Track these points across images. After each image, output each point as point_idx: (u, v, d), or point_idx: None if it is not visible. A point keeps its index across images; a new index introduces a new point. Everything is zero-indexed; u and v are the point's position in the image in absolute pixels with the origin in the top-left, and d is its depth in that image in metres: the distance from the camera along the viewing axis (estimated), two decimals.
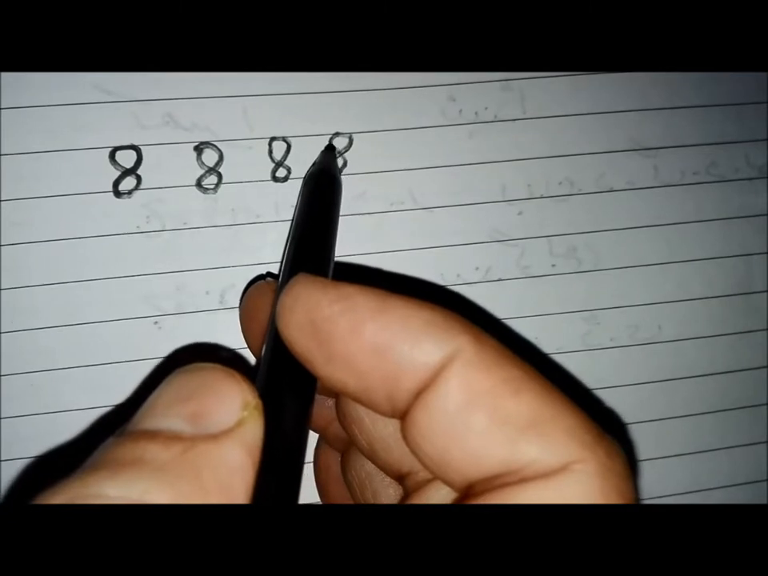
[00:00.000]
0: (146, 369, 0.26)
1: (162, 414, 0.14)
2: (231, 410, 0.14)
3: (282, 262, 0.26)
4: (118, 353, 0.26)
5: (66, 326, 0.25)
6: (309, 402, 0.17)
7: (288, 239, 0.25)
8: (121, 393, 0.26)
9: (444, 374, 0.14)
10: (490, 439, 0.14)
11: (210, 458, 0.13)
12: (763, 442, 0.31)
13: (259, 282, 0.23)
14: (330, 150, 0.27)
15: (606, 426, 0.15)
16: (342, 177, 0.27)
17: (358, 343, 0.15)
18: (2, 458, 0.26)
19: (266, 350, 0.17)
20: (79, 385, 0.26)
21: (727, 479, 0.31)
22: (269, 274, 0.27)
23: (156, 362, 0.26)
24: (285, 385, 0.16)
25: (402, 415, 0.15)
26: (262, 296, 0.22)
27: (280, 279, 0.21)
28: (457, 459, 0.14)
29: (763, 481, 0.31)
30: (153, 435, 0.14)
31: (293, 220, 0.26)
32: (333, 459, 0.23)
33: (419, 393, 0.15)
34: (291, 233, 0.23)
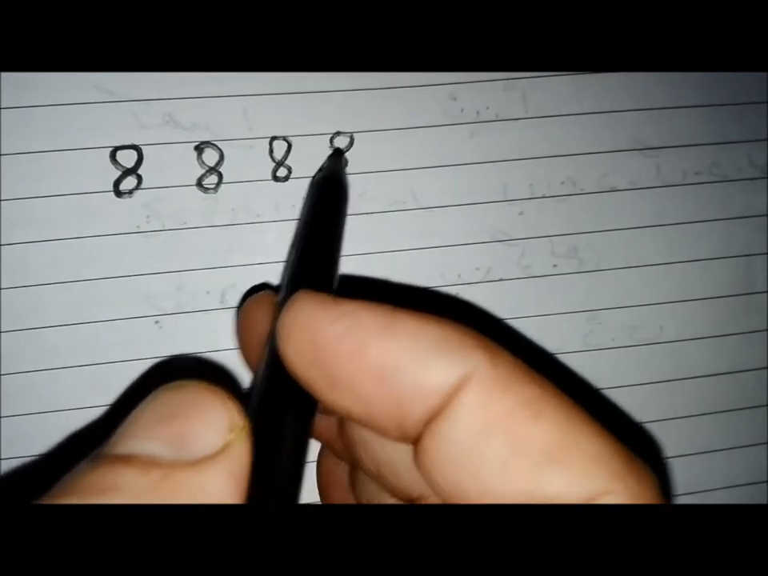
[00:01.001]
0: (146, 368, 0.26)
1: (139, 436, 0.13)
2: (216, 432, 0.13)
3: (283, 273, 0.26)
4: (118, 352, 0.26)
5: (67, 326, 0.25)
6: (308, 425, 0.16)
7: (291, 246, 0.25)
8: (121, 391, 0.26)
9: (457, 398, 0.13)
10: (509, 470, 0.13)
11: (190, 486, 0.12)
12: (764, 443, 0.31)
13: (257, 295, 0.22)
14: (338, 154, 0.26)
15: (634, 443, 0.14)
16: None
17: (363, 366, 0.14)
18: (2, 457, 0.26)
19: (263, 367, 0.16)
20: (80, 384, 0.26)
21: (728, 480, 0.31)
22: (266, 285, 0.26)
23: (156, 361, 0.26)
24: (283, 406, 0.15)
25: (413, 441, 0.14)
26: (259, 309, 0.21)
27: (281, 293, 0.20)
28: (473, 491, 0.13)
29: (764, 482, 0.31)
30: (129, 460, 0.12)
31: (297, 226, 0.26)
32: (336, 463, 0.22)
33: (431, 419, 0.14)
34: (295, 241, 0.23)
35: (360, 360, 0.14)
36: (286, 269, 0.21)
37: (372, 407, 0.14)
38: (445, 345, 0.14)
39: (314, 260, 0.21)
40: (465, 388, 0.13)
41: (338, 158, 0.26)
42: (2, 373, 0.25)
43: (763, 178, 0.30)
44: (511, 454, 0.13)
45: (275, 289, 0.26)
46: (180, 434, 0.13)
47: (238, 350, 0.22)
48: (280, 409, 0.15)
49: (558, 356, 0.29)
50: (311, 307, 0.15)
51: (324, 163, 0.26)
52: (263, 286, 0.26)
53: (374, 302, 0.15)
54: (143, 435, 0.13)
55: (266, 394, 0.16)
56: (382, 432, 0.15)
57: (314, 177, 0.26)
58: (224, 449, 0.13)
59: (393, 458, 0.16)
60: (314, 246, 0.21)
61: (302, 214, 0.24)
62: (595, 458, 0.13)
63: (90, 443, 0.13)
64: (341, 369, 0.14)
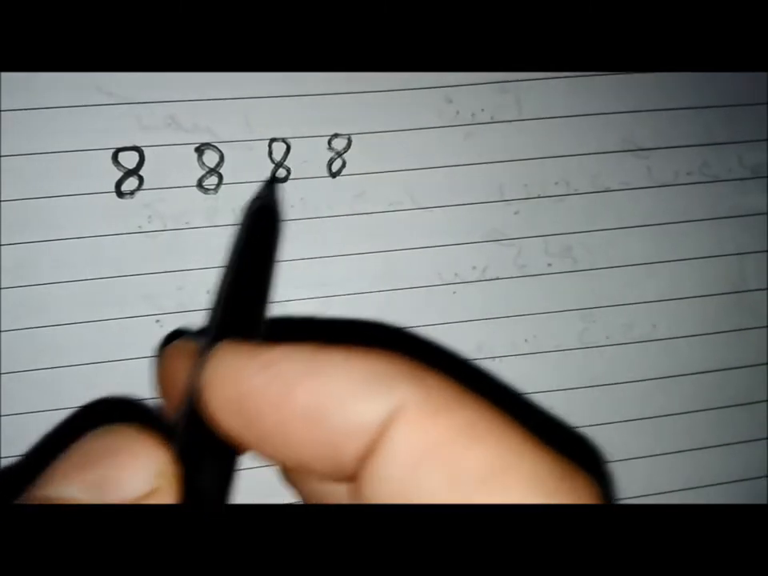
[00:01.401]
0: (146, 367, 0.26)
1: (62, 480, 0.13)
2: (142, 477, 0.13)
3: (209, 312, 0.25)
4: (119, 351, 0.26)
5: (68, 325, 0.26)
6: (231, 474, 0.15)
7: (219, 282, 0.23)
8: (122, 391, 0.26)
9: (389, 433, 0.13)
10: (446, 501, 0.13)
11: None
12: (758, 439, 0.31)
13: (175, 342, 0.20)
14: (271, 183, 0.26)
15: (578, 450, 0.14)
16: (341, 177, 0.27)
17: (290, 413, 0.13)
18: (2, 456, 0.26)
19: (183, 419, 0.16)
20: (80, 383, 0.26)
21: (723, 476, 0.31)
22: (185, 332, 0.26)
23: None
24: (205, 457, 0.15)
25: (351, 480, 0.14)
26: (178, 358, 0.19)
27: (205, 339, 0.18)
28: None
29: (758, 478, 0.31)
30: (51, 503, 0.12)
31: (227, 260, 0.24)
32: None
33: (365, 457, 0.13)
34: (223, 278, 0.21)
35: (286, 408, 0.13)
36: (212, 308, 0.20)
37: (304, 453, 0.14)
38: (371, 379, 0.13)
39: (241, 302, 0.20)
40: (396, 421, 0.13)
41: (272, 187, 0.26)
42: (2, 372, 0.25)
43: (753, 178, 0.30)
44: (446, 483, 0.13)
45: (197, 333, 0.26)
46: (104, 479, 0.13)
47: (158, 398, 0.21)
48: (200, 461, 0.15)
49: (553, 353, 0.29)
50: (232, 359, 0.14)
51: (257, 192, 0.26)
52: (182, 333, 0.26)
53: (299, 342, 0.14)
54: (65, 480, 0.13)
55: (186, 446, 0.15)
56: (318, 476, 0.14)
57: (246, 206, 0.26)
58: (150, 494, 0.13)
59: (335, 492, 0.16)
60: (241, 285, 0.20)
61: (233, 246, 0.23)
62: (530, 479, 0.13)
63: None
64: (267, 419, 0.14)
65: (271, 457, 0.14)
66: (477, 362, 0.29)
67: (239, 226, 0.24)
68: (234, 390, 0.14)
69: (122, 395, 0.26)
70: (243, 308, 0.19)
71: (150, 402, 0.26)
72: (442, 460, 0.13)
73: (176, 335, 0.26)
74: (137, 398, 0.26)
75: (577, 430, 0.29)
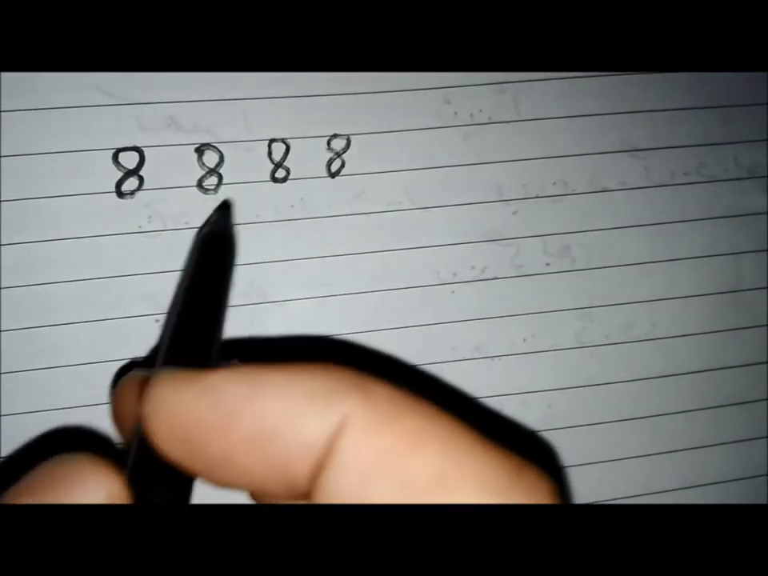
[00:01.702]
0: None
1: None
2: (91, 503, 0.13)
3: (160, 339, 0.25)
4: (119, 351, 0.26)
5: (67, 325, 0.26)
6: (186, 498, 0.15)
7: (170, 308, 0.23)
8: None
9: (336, 447, 0.13)
10: None
11: None
12: (756, 438, 0.31)
13: (126, 377, 0.20)
14: (225, 207, 0.25)
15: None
16: (340, 178, 0.27)
17: (235, 438, 0.13)
18: (2, 456, 0.26)
19: (134, 448, 0.16)
20: (80, 382, 0.26)
21: (721, 475, 0.31)
22: (138, 363, 0.26)
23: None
24: (158, 483, 0.15)
25: (306, 497, 0.14)
26: (129, 392, 0.19)
27: (156, 367, 0.18)
28: None
29: (756, 477, 0.31)
30: None
31: (178, 285, 0.24)
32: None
33: (316, 473, 0.13)
34: (174, 304, 0.21)
35: (231, 434, 0.13)
36: (162, 335, 0.20)
37: (254, 477, 0.14)
38: (314, 396, 0.13)
39: (191, 330, 0.19)
40: (342, 435, 0.13)
41: (225, 211, 0.25)
42: (2, 372, 0.26)
43: (750, 178, 0.30)
44: (396, 492, 0.13)
45: (149, 362, 0.26)
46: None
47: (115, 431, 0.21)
48: (153, 488, 0.15)
49: (551, 353, 0.29)
50: (173, 388, 0.14)
51: (210, 216, 0.26)
52: (137, 364, 0.26)
53: (240, 365, 0.14)
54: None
55: (138, 474, 0.15)
56: (272, 496, 0.14)
57: (199, 230, 0.25)
58: None
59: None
60: (191, 313, 0.20)
61: (185, 271, 0.23)
62: (479, 481, 0.13)
63: None
64: (213, 447, 0.14)
65: (222, 483, 0.14)
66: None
67: (191, 252, 0.24)
68: (176, 421, 0.14)
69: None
70: (193, 336, 0.19)
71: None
72: (389, 469, 0.13)
73: (131, 366, 0.26)
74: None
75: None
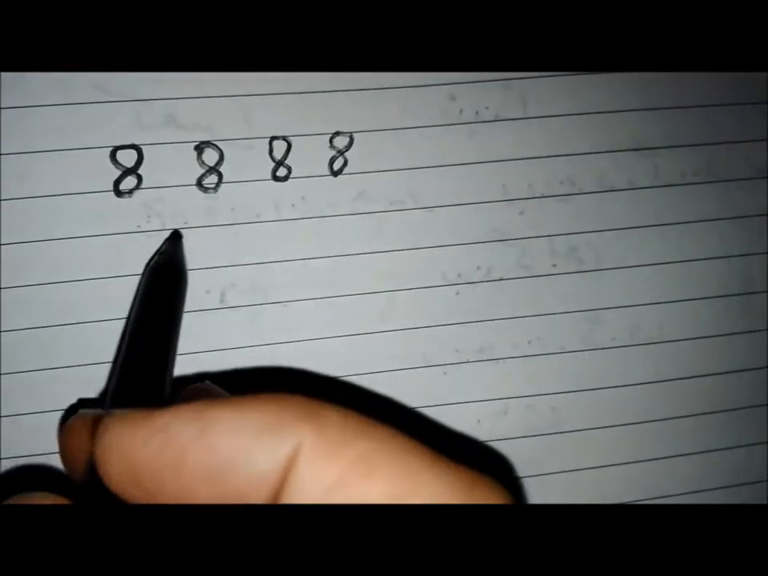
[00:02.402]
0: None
1: None
2: None
3: (109, 374, 0.25)
4: None
5: (67, 325, 0.25)
6: None
7: (120, 342, 0.23)
8: None
9: (290, 477, 0.13)
10: None
11: None
12: (764, 443, 0.31)
13: (73, 419, 0.20)
14: (175, 237, 0.25)
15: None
16: (342, 176, 0.27)
17: (188, 477, 0.13)
18: (2, 456, 0.26)
19: (87, 488, 0.16)
20: (80, 384, 0.26)
21: (729, 479, 0.31)
22: (83, 403, 0.25)
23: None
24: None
25: None
26: (78, 434, 0.19)
27: (102, 410, 0.19)
28: None
29: (764, 482, 0.31)
30: None
31: (128, 318, 0.24)
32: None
33: (274, 503, 0.13)
34: (120, 342, 0.21)
35: (183, 472, 0.13)
36: (111, 372, 0.20)
37: None
38: (264, 427, 0.13)
39: (141, 365, 0.19)
40: (295, 465, 0.13)
41: (175, 241, 0.25)
42: (2, 372, 0.25)
43: (760, 178, 0.30)
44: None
45: (98, 401, 0.25)
46: None
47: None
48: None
49: (558, 355, 0.29)
50: (123, 431, 0.14)
51: (161, 246, 0.25)
52: (85, 402, 0.26)
53: (211, 386, 0.14)
54: None
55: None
56: None
57: (149, 261, 0.25)
58: None
59: None
60: (141, 347, 0.20)
61: (134, 304, 0.23)
62: (431, 499, 0.13)
63: None
64: (167, 486, 0.14)
65: None
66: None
67: (139, 284, 0.24)
68: (128, 462, 0.14)
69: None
70: (143, 372, 0.19)
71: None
72: (344, 495, 0.13)
73: (79, 405, 0.25)
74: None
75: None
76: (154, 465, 0.14)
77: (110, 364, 0.25)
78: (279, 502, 0.13)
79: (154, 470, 0.14)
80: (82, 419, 0.19)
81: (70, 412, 0.25)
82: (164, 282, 0.23)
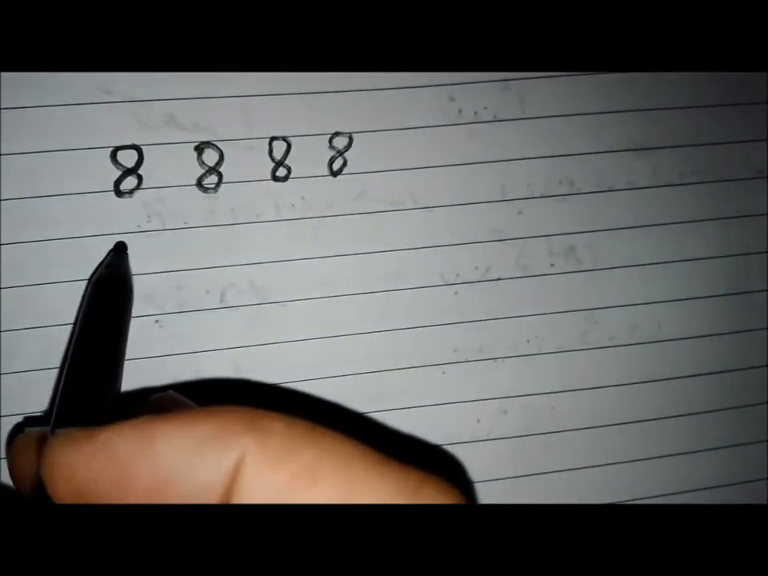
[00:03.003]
0: (147, 366, 0.26)
1: None
2: None
3: (54, 390, 0.25)
4: None
5: (68, 325, 0.25)
6: None
7: (64, 359, 0.22)
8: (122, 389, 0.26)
9: (236, 488, 0.13)
10: None
11: None
12: (763, 441, 0.31)
13: (19, 437, 0.19)
14: (120, 249, 0.25)
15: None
16: (342, 177, 0.27)
17: (132, 492, 0.13)
18: (2, 456, 0.26)
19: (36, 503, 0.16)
20: None
21: (729, 478, 0.31)
22: (30, 421, 0.25)
23: (157, 359, 0.26)
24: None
25: None
26: (25, 452, 0.19)
27: (47, 427, 0.19)
28: None
29: (764, 480, 0.31)
30: None
31: (72, 333, 0.24)
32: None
33: None
34: (65, 358, 0.21)
35: (127, 487, 0.14)
36: (56, 389, 0.20)
37: None
38: (208, 440, 0.13)
39: (86, 381, 0.19)
40: (239, 476, 0.13)
41: (120, 253, 0.25)
42: (2, 372, 0.25)
43: (759, 178, 0.30)
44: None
45: (44, 419, 0.25)
46: None
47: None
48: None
49: (555, 355, 0.29)
50: (67, 449, 0.14)
51: (105, 259, 0.25)
52: (32, 420, 0.25)
53: (175, 395, 0.14)
54: None
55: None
56: None
57: (93, 274, 0.25)
58: None
59: None
60: (86, 363, 0.20)
61: (77, 318, 0.22)
62: (376, 502, 0.13)
63: None
64: (113, 501, 0.14)
65: None
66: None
67: (84, 297, 0.24)
68: (73, 481, 0.14)
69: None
70: (89, 387, 0.19)
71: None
72: (289, 502, 0.13)
73: (26, 423, 0.25)
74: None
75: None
76: (99, 482, 0.14)
77: (54, 380, 0.25)
78: None
79: (98, 487, 0.14)
80: (27, 438, 0.19)
81: (17, 431, 0.25)
82: (109, 296, 0.23)
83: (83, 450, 0.14)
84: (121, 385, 0.21)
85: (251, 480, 0.13)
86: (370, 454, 0.14)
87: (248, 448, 0.13)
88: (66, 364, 0.20)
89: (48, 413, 0.25)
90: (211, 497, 0.13)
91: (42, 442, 0.16)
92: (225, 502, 0.13)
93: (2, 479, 0.25)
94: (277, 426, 0.14)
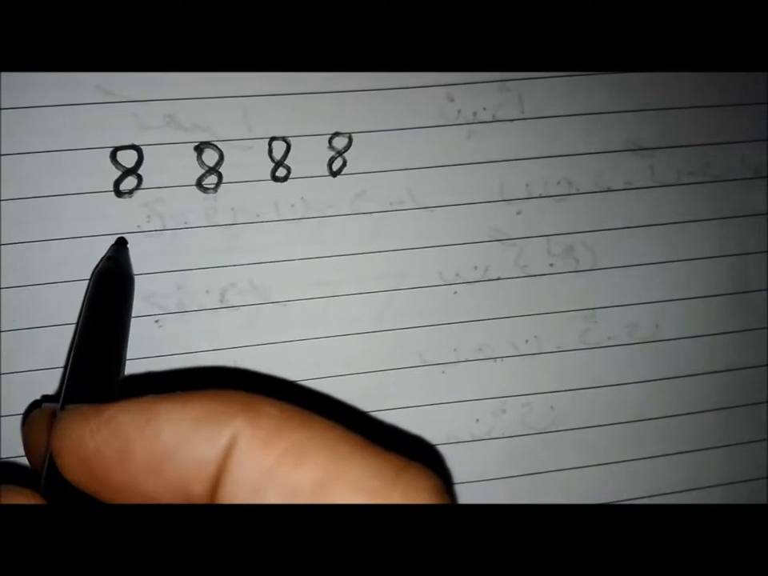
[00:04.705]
0: (147, 366, 0.26)
1: None
2: None
3: (62, 375, 0.25)
4: None
5: (68, 325, 0.25)
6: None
7: (70, 346, 0.23)
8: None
9: (228, 465, 0.14)
10: None
11: None
12: (761, 440, 0.31)
13: (35, 412, 0.21)
14: (120, 243, 0.25)
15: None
16: (341, 177, 0.27)
17: (132, 465, 0.15)
18: (2, 456, 0.26)
19: (45, 476, 0.17)
20: None
21: (727, 477, 0.31)
22: (48, 398, 0.26)
23: (157, 359, 0.26)
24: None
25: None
26: (38, 426, 0.20)
27: (58, 405, 0.20)
28: None
29: (762, 479, 0.31)
30: None
31: (77, 323, 0.25)
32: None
33: (213, 490, 0.14)
34: (72, 343, 0.22)
35: (128, 460, 0.15)
36: (65, 372, 0.21)
37: (156, 496, 0.15)
38: (204, 419, 0.14)
39: (93, 364, 0.20)
40: (232, 454, 0.14)
41: (121, 247, 0.25)
42: (2, 372, 0.25)
43: (756, 177, 0.30)
44: (285, 501, 0.14)
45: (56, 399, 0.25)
46: None
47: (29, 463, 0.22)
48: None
49: (555, 354, 0.29)
50: (75, 422, 0.15)
51: (107, 253, 0.25)
52: (48, 398, 0.26)
53: (135, 396, 0.15)
54: None
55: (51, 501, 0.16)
56: None
57: (95, 267, 0.25)
58: None
59: None
60: (92, 348, 0.21)
61: (83, 307, 0.23)
62: (356, 484, 0.14)
63: None
64: (114, 474, 0.15)
65: (129, 503, 0.15)
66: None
67: (88, 288, 0.25)
68: (79, 453, 0.15)
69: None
70: (95, 370, 0.20)
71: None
72: (278, 481, 0.14)
73: (42, 401, 0.26)
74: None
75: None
76: (103, 455, 0.15)
77: (63, 365, 0.26)
78: (219, 488, 0.14)
79: (101, 459, 0.15)
80: (40, 413, 0.21)
81: (34, 407, 0.26)
82: (111, 285, 0.24)
83: (89, 424, 0.15)
84: (125, 369, 0.22)
85: (242, 458, 0.14)
86: (356, 439, 0.14)
87: (241, 428, 0.14)
88: (73, 347, 0.21)
89: (58, 392, 0.26)
90: (205, 472, 0.14)
91: (53, 417, 0.17)
92: (217, 478, 0.14)
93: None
94: (269, 410, 0.15)
